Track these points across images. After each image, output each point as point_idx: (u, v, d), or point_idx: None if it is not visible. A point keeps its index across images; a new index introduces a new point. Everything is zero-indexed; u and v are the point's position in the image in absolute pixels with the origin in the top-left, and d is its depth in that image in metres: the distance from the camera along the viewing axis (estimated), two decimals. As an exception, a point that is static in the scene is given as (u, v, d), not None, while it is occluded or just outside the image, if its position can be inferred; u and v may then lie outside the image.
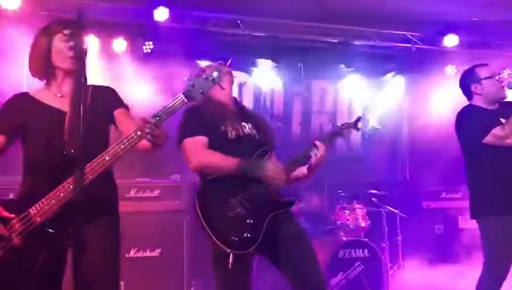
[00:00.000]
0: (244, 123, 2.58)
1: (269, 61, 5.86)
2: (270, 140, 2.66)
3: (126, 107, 2.22)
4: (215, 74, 1.96)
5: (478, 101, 3.14)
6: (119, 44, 5.08)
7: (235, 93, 5.61)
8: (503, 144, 2.87)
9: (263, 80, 5.92)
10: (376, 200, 5.10)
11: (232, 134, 2.51)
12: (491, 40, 6.34)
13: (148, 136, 1.83)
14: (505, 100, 3.14)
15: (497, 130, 2.89)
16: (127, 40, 5.12)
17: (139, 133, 1.84)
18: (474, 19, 5.93)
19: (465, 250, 4.90)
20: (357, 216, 4.78)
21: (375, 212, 5.02)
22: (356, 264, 4.50)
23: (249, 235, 2.30)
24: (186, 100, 1.92)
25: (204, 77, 1.95)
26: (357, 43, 5.90)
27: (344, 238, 4.60)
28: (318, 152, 2.51)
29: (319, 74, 6.08)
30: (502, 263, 2.90)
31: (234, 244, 2.27)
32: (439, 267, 4.86)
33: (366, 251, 4.53)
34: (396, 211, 5.11)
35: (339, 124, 2.75)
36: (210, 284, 4.30)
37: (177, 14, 5.10)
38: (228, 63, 2.79)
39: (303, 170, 2.61)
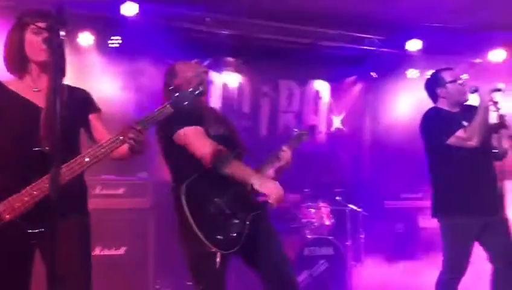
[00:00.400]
0: (218, 124, 2.62)
1: (237, 61, 5.86)
2: (240, 142, 2.70)
3: (100, 111, 2.21)
4: (201, 87, 2.04)
5: (442, 104, 3.27)
6: (85, 38, 4.97)
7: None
8: (465, 146, 3.00)
9: (231, 79, 5.92)
10: (340, 199, 5.22)
11: (210, 134, 2.52)
12: (452, 46, 6.59)
13: (132, 141, 1.82)
14: (467, 104, 3.27)
15: (460, 132, 3.02)
16: (93, 34, 5.01)
17: (121, 137, 1.84)
18: (437, 25, 6.17)
19: (424, 248, 5.09)
20: (321, 215, 4.87)
21: (339, 210, 5.13)
22: (321, 262, 4.58)
23: (234, 234, 2.34)
24: (172, 110, 1.95)
25: (190, 90, 2.01)
26: (324, 44, 6.00)
27: (309, 237, 4.67)
28: (286, 155, 2.65)
29: (286, 75, 6.14)
30: (460, 261, 3.04)
31: (221, 243, 2.30)
32: (399, 264, 5.03)
33: (330, 249, 4.62)
34: (359, 210, 5.24)
35: (295, 129, 2.99)
36: (175, 282, 4.34)
37: (145, 10, 5.03)
38: (206, 63, 2.83)
39: (270, 172, 2.66)
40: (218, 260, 2.26)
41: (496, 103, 2.98)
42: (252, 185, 2.32)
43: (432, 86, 3.32)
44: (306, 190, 5.00)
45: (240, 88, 5.97)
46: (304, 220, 4.81)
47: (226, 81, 5.91)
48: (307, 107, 6.31)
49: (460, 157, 3.05)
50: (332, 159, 6.11)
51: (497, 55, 6.57)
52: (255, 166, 2.57)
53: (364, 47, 6.24)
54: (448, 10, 5.85)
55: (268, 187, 2.31)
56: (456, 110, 3.25)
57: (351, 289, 4.63)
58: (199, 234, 2.26)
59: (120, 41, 5.11)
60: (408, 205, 5.80)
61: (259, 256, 2.47)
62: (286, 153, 2.66)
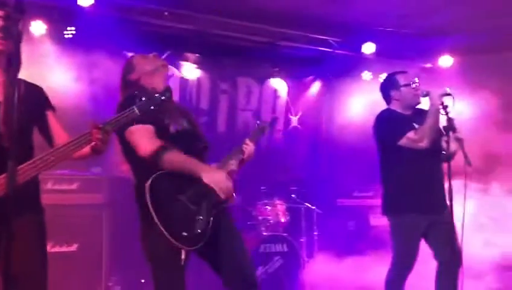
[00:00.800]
0: (182, 118, 2.59)
1: (196, 56, 5.83)
2: (202, 136, 2.69)
3: (55, 110, 2.17)
4: (167, 93, 2.05)
5: (395, 106, 3.40)
6: (38, 27, 4.78)
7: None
8: (415, 147, 3.13)
9: (189, 74, 5.88)
10: (295, 196, 5.31)
11: (172, 128, 2.50)
12: (404, 50, 6.84)
13: (99, 142, 1.81)
14: (418, 107, 3.41)
15: (411, 134, 3.15)
16: (46, 24, 4.83)
17: (89, 137, 1.82)
18: (390, 29, 6.38)
19: (374, 245, 5.25)
20: (277, 212, 4.94)
21: (294, 208, 5.22)
22: (275, 258, 4.65)
23: (199, 231, 2.33)
24: (138, 113, 1.96)
25: (157, 94, 2.02)
26: (283, 44, 6.08)
27: (265, 234, 4.73)
28: (249, 148, 2.69)
29: (245, 72, 6.17)
30: (408, 258, 3.18)
31: (185, 240, 2.28)
32: (349, 261, 5.17)
33: (285, 245, 4.71)
34: (313, 208, 5.35)
35: (258, 122, 2.99)
36: (128, 280, 4.28)
37: (102, 1, 4.91)
38: (164, 56, 2.78)
39: (233, 164, 2.66)
40: (183, 257, 2.26)
41: (445, 107, 3.12)
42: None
43: (386, 88, 3.44)
44: (262, 188, 5.05)
45: (198, 84, 5.94)
46: (260, 218, 4.87)
47: (184, 76, 5.86)
48: (265, 105, 6.37)
49: (410, 158, 3.19)
50: (289, 157, 6.20)
51: (446, 60, 6.87)
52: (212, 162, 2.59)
53: (322, 48, 6.38)
54: (401, 15, 6.07)
55: (215, 180, 2.34)
56: (408, 113, 3.38)
57: (304, 284, 4.72)
58: (164, 231, 2.25)
59: (74, 32, 4.96)
60: (360, 203, 5.97)
61: (221, 253, 2.46)
62: (249, 147, 2.69)
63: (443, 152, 3.16)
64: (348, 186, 6.05)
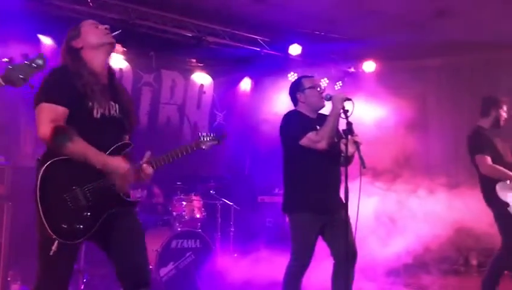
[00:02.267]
0: (112, 103, 2.44)
1: (119, 46, 5.68)
2: (132, 127, 2.58)
3: None
4: (39, 61, 1.89)
5: (301, 108, 3.50)
6: None
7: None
8: (315, 148, 3.24)
9: (112, 65, 5.71)
10: (214, 192, 5.34)
11: (97, 112, 2.37)
12: (330, 54, 7.05)
13: None
14: (323, 113, 3.50)
15: (311, 134, 3.26)
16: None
17: None
18: (316, 32, 6.55)
19: (289, 241, 5.38)
20: (193, 208, 4.94)
21: (211, 204, 5.25)
22: (187, 254, 4.66)
23: (81, 227, 2.26)
24: (3, 84, 1.83)
25: (27, 62, 1.87)
26: (210, 40, 6.06)
27: (178, 229, 4.72)
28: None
29: (171, 65, 6.10)
30: (304, 254, 3.29)
31: (62, 232, 2.21)
32: (266, 256, 5.27)
33: (198, 241, 4.72)
34: (231, 204, 5.40)
35: (204, 134, 2.81)
36: (29, 273, 4.11)
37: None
38: (116, 33, 2.62)
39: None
40: (53, 248, 2.19)
41: (346, 111, 3.25)
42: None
43: (293, 91, 3.54)
44: (178, 183, 5.03)
45: (120, 75, 5.79)
46: (175, 213, 4.85)
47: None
48: (190, 100, 6.33)
49: (310, 159, 3.30)
50: (212, 153, 6.18)
51: (368, 65, 7.16)
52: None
53: (250, 47, 6.43)
54: (328, 20, 6.26)
55: (112, 165, 2.29)
56: (313, 116, 3.49)
57: (217, 279, 4.75)
58: (42, 217, 2.18)
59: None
60: (280, 200, 6.05)
61: (117, 250, 2.41)
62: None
63: (342, 155, 3.28)
64: (270, 183, 6.15)
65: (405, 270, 5.16)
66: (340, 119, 3.26)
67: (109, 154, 2.36)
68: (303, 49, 6.57)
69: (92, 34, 2.50)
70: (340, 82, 7.26)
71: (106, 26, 2.56)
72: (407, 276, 5.19)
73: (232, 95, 6.65)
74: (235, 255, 5.30)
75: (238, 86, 6.71)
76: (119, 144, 2.41)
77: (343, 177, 3.27)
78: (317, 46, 6.73)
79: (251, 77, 6.80)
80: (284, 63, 6.67)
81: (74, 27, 2.54)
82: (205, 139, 2.73)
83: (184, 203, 4.91)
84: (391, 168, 6.36)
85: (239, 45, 6.33)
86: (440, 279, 5.15)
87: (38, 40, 5.18)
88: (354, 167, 3.25)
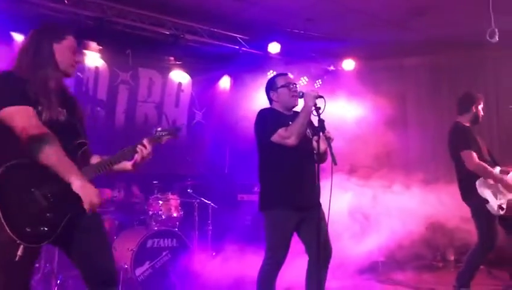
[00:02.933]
0: (60, 108, 2.39)
1: (95, 44, 5.62)
2: (84, 132, 2.52)
3: None
4: None
5: (276, 106, 3.49)
6: None
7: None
8: (285, 144, 3.23)
9: (87, 63, 5.66)
10: (191, 191, 5.30)
11: (45, 117, 2.32)
12: (309, 52, 7.06)
13: None
14: (298, 110, 3.50)
15: (281, 130, 3.25)
16: None
17: None
18: (296, 31, 6.55)
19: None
20: (170, 207, 4.90)
21: (188, 202, 5.21)
22: (164, 253, 4.62)
23: (45, 229, 2.21)
24: None
25: None
26: (188, 37, 6.02)
27: (154, 228, 4.68)
28: (145, 150, 2.52)
29: (148, 63, 6.05)
30: (278, 251, 3.28)
31: (27, 236, 2.16)
32: (244, 255, 5.25)
33: (174, 240, 4.68)
34: (208, 202, 5.37)
35: (160, 129, 2.69)
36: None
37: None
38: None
39: (127, 165, 2.57)
40: (19, 253, 2.13)
41: (318, 108, 3.24)
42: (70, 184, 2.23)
43: (267, 90, 3.53)
44: (155, 182, 4.98)
45: (96, 73, 5.73)
46: (151, 212, 4.81)
47: (81, 64, 5.63)
48: (168, 98, 6.28)
49: (283, 156, 3.29)
50: (191, 152, 6.16)
51: (348, 64, 7.18)
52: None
53: (229, 45, 6.41)
54: (307, 18, 6.26)
55: (85, 191, 2.23)
56: (289, 113, 3.48)
57: (194, 278, 4.71)
58: (3, 222, 2.11)
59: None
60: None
61: (81, 253, 2.37)
62: (146, 150, 2.51)
63: (314, 152, 3.27)
64: (250, 181, 6.13)
65: (380, 267, 5.19)
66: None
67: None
68: (282, 47, 6.57)
69: (66, 57, 2.44)
70: (319, 80, 7.27)
71: (77, 59, 2.50)
72: (382, 272, 5.22)
73: (211, 93, 6.62)
74: (213, 253, 5.26)
75: (217, 84, 6.68)
76: (73, 144, 2.37)
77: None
78: (297, 44, 6.73)
79: (230, 75, 6.77)
80: (263, 61, 6.66)
81: (60, 28, 2.48)
82: (160, 134, 2.64)
83: (161, 202, 4.86)
84: (370, 164, 6.41)
85: (218, 42, 6.30)
86: (416, 275, 5.20)
87: (11, 38, 5.08)
88: (329, 164, 3.26)
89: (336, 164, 3.16)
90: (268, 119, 3.38)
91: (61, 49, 2.41)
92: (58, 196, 2.25)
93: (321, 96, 3.26)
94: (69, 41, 2.45)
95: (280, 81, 3.47)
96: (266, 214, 3.34)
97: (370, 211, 4.96)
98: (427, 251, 5.68)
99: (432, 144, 6.85)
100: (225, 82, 6.66)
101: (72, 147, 2.36)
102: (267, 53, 6.58)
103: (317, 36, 6.69)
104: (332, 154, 3.16)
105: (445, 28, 6.30)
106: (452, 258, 6.06)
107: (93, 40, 5.63)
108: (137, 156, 2.51)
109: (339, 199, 4.66)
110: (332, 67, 7.38)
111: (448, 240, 5.55)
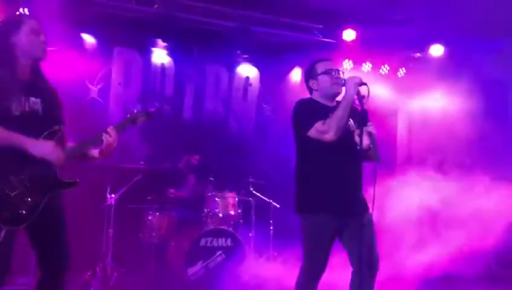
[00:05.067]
0: (33, 98, 2.44)
1: (161, 41, 5.64)
2: (59, 117, 2.55)
3: None
4: None
5: (316, 96, 3.10)
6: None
7: (120, 71, 5.49)
8: (323, 139, 2.82)
9: (154, 60, 5.71)
10: (252, 189, 5.08)
11: (16, 110, 2.37)
12: (389, 39, 6.41)
13: None
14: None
15: (319, 124, 2.83)
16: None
17: None
18: (374, 16, 5.98)
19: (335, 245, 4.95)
20: (227, 204, 4.73)
21: (246, 201, 5.00)
22: (218, 253, 4.46)
23: (23, 212, 2.31)
24: None
25: None
26: (255, 29, 5.80)
27: (209, 227, 4.53)
28: (109, 138, 2.53)
29: (214, 58, 5.93)
30: (316, 261, 2.90)
31: (7, 220, 2.27)
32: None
33: (229, 240, 4.50)
34: (269, 201, 5.10)
35: (135, 111, 2.72)
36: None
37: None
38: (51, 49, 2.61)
39: (95, 152, 2.61)
40: (1, 235, 2.24)
41: (361, 97, 2.81)
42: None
43: (306, 79, 3.15)
44: (211, 178, 4.84)
45: (163, 70, 5.75)
46: (206, 210, 4.67)
47: (148, 61, 5.69)
48: (236, 93, 6.12)
49: (322, 153, 2.89)
50: (257, 148, 5.93)
51: (436, 49, 6.41)
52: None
53: (299, 35, 6.07)
54: (385, 2, 5.68)
55: (43, 151, 2.33)
56: (331, 104, 3.07)
57: (246, 280, 4.47)
58: None
59: (28, 13, 4.88)
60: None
61: (45, 237, 2.46)
62: (111, 137, 2.53)
63: (357, 147, 2.82)
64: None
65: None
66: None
67: None
68: (358, 34, 6.06)
69: (29, 42, 2.44)
70: (403, 69, 6.59)
71: (43, 39, 2.48)
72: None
73: (281, 86, 6.31)
74: (275, 254, 4.98)
75: (288, 77, 6.35)
76: (47, 133, 2.41)
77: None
78: (375, 29, 6.15)
79: (302, 67, 6.40)
80: (338, 50, 6.17)
81: (13, 20, 2.56)
82: (134, 116, 2.67)
83: (217, 199, 4.71)
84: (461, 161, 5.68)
85: (287, 33, 6.00)
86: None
87: (81, 40, 5.29)
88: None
89: (378, 161, 2.72)
90: (305, 112, 2.99)
91: (21, 38, 2.43)
92: (35, 181, 2.34)
93: (365, 84, 2.82)
94: (27, 26, 2.45)
95: (320, 68, 3.06)
96: (302, 218, 2.97)
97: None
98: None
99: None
100: (297, 74, 6.31)
101: (47, 134, 2.42)
102: (342, 41, 6.11)
103: (398, 21, 6.06)
104: (375, 149, 2.73)
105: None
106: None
107: (159, 37, 5.66)
108: (103, 144, 2.55)
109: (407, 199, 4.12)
110: (418, 54, 6.63)
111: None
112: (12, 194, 2.28)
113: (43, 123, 2.43)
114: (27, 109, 2.39)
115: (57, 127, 2.46)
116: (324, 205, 2.88)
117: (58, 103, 2.58)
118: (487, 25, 5.94)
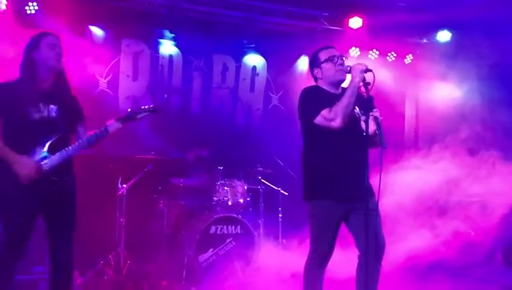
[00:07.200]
0: (52, 106, 2.73)
1: (168, 32, 5.68)
2: (74, 123, 2.87)
3: None
4: None
5: (321, 84, 3.13)
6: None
7: (128, 63, 5.54)
8: (329, 126, 2.86)
9: (161, 51, 5.75)
10: (261, 177, 5.14)
11: (35, 116, 2.69)
12: (396, 26, 6.39)
13: None
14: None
15: (325, 112, 2.87)
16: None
17: None
18: (380, 3, 5.96)
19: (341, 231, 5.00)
20: (236, 193, 4.80)
21: (255, 189, 5.06)
22: (228, 240, 4.53)
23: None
24: None
25: None
26: (261, 19, 5.82)
27: (219, 215, 4.60)
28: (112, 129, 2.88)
29: (221, 48, 5.96)
30: (322, 245, 2.96)
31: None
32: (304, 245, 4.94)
33: (238, 227, 4.57)
34: (278, 189, 5.15)
35: (141, 108, 2.97)
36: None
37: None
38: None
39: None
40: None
41: (367, 84, 2.83)
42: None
43: (311, 68, 3.18)
44: (220, 168, 4.90)
45: (171, 61, 5.79)
46: (216, 198, 4.74)
47: (156, 53, 5.73)
48: (243, 83, 6.15)
49: (328, 140, 2.93)
50: (265, 137, 5.96)
51: (443, 35, 6.38)
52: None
53: (305, 23, 6.07)
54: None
55: (18, 167, 2.63)
56: (336, 91, 3.10)
57: (258, 267, 4.55)
58: None
59: (37, 8, 4.94)
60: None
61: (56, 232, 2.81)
62: (114, 126, 2.87)
63: (364, 134, 2.86)
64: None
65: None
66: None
67: (48, 149, 2.71)
68: (365, 21, 6.05)
69: (45, 56, 2.75)
70: (410, 55, 6.57)
71: (59, 51, 2.79)
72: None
73: (288, 75, 6.32)
74: (284, 241, 5.05)
75: (295, 65, 6.36)
76: (54, 139, 2.71)
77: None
78: (381, 16, 6.13)
79: (309, 55, 6.40)
80: (345, 38, 6.17)
81: (35, 37, 2.81)
82: (132, 114, 2.91)
83: (226, 188, 4.78)
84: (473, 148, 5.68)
85: (293, 21, 6.00)
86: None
87: (90, 32, 5.34)
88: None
89: (384, 147, 2.75)
90: (311, 99, 3.04)
91: (40, 53, 2.74)
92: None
93: (370, 70, 2.85)
94: (44, 41, 2.77)
95: (323, 56, 3.10)
96: (310, 204, 3.03)
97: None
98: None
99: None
100: (303, 63, 6.32)
101: (63, 137, 2.75)
102: (349, 29, 6.10)
103: (404, 7, 6.03)
104: (380, 136, 2.76)
105: None
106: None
107: (166, 28, 5.69)
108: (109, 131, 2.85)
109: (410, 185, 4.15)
110: (425, 40, 6.61)
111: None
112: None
113: (58, 128, 2.73)
114: (45, 114, 2.70)
115: (64, 134, 2.78)
116: (328, 192, 2.94)
117: (77, 109, 2.88)
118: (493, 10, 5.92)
